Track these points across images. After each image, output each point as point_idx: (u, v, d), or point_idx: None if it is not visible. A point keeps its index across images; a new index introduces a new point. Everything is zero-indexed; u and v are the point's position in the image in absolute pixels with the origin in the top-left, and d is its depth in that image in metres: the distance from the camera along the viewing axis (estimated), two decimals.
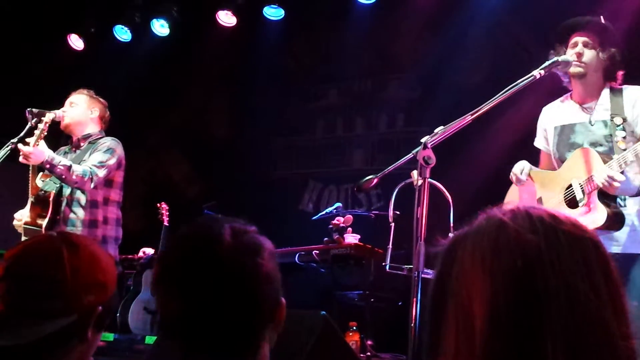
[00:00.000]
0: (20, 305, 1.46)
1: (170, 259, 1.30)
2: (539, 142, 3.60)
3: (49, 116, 3.90)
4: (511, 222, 0.92)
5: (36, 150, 3.76)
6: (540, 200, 3.34)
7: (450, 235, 1.01)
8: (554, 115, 3.48)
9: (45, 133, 3.85)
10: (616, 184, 2.90)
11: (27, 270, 1.50)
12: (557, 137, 3.40)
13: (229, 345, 1.23)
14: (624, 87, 3.30)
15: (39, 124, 3.81)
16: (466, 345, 0.88)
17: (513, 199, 3.47)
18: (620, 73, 3.30)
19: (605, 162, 3.02)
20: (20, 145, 3.77)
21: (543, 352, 0.84)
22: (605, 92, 3.30)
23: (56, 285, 1.46)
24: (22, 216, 4.05)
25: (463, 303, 0.90)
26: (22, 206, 4.17)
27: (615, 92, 3.28)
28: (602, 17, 3.31)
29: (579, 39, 3.25)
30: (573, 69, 3.23)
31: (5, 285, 1.48)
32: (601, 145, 3.21)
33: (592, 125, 3.26)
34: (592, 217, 3.00)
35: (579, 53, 3.21)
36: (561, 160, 3.37)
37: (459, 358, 0.89)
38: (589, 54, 3.23)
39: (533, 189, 3.36)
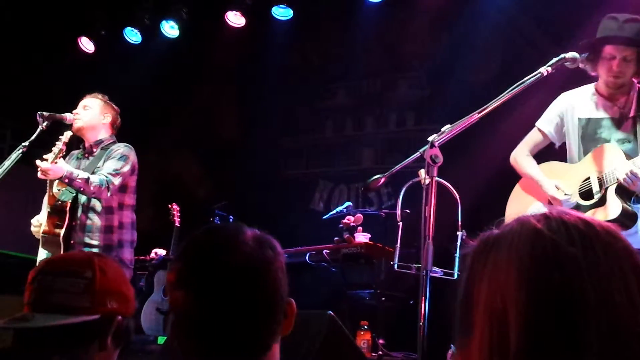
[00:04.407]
0: (49, 298, 1.56)
1: (191, 259, 1.29)
2: (544, 125, 3.52)
3: (67, 135, 3.89)
4: (547, 230, 0.91)
5: (54, 167, 3.78)
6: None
7: (481, 235, 1.00)
8: (576, 106, 3.42)
9: (65, 152, 3.89)
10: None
11: (59, 268, 1.62)
12: (582, 130, 3.36)
13: (245, 345, 1.24)
14: None
15: (57, 142, 3.82)
16: (499, 352, 0.88)
17: (520, 198, 3.45)
18: None
19: (628, 158, 3.02)
20: (38, 162, 3.79)
21: None
22: (634, 89, 3.28)
23: (85, 282, 1.58)
24: (38, 222, 4.07)
25: (496, 308, 0.90)
26: (36, 209, 4.19)
27: None
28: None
29: (617, 53, 3.18)
30: (613, 81, 3.21)
31: (38, 281, 1.60)
32: (629, 142, 3.21)
33: (622, 121, 3.25)
34: (607, 209, 3.01)
35: (619, 71, 3.17)
36: (585, 154, 3.33)
37: None
38: (628, 67, 3.20)
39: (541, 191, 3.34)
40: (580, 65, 3.22)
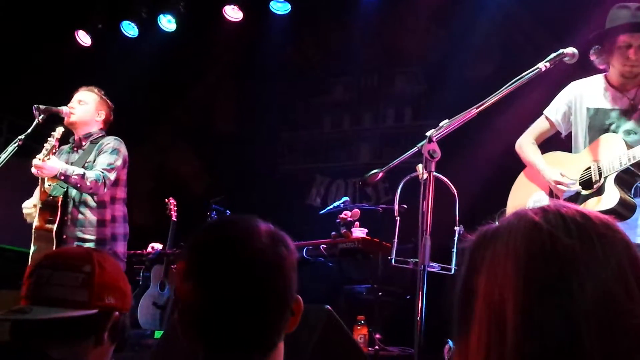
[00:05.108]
0: (47, 291, 1.56)
1: (202, 251, 1.26)
2: (552, 113, 3.49)
3: (59, 131, 3.87)
4: (544, 223, 0.90)
5: (48, 165, 3.77)
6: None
7: (479, 229, 0.99)
8: (585, 95, 3.39)
9: (57, 149, 3.87)
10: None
11: (58, 262, 1.61)
12: (590, 120, 3.33)
13: (252, 343, 1.22)
14: None
15: (49, 139, 3.80)
16: (497, 346, 0.88)
17: (522, 188, 3.46)
18: None
19: (630, 147, 3.04)
20: (33, 161, 3.78)
21: None
22: None
23: (83, 277, 1.58)
24: (31, 204, 4.05)
25: (494, 303, 0.89)
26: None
27: None
28: None
29: (634, 41, 3.12)
30: (630, 70, 3.17)
31: (36, 274, 1.59)
32: (636, 133, 3.20)
33: (631, 113, 3.23)
34: (605, 198, 3.01)
35: (637, 59, 3.12)
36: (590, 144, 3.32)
37: (490, 358, 0.89)
38: None
39: (544, 181, 3.35)
40: (592, 58, 3.21)
